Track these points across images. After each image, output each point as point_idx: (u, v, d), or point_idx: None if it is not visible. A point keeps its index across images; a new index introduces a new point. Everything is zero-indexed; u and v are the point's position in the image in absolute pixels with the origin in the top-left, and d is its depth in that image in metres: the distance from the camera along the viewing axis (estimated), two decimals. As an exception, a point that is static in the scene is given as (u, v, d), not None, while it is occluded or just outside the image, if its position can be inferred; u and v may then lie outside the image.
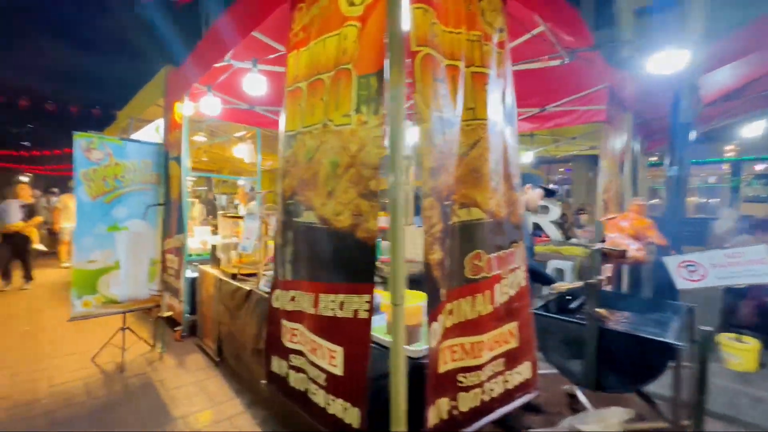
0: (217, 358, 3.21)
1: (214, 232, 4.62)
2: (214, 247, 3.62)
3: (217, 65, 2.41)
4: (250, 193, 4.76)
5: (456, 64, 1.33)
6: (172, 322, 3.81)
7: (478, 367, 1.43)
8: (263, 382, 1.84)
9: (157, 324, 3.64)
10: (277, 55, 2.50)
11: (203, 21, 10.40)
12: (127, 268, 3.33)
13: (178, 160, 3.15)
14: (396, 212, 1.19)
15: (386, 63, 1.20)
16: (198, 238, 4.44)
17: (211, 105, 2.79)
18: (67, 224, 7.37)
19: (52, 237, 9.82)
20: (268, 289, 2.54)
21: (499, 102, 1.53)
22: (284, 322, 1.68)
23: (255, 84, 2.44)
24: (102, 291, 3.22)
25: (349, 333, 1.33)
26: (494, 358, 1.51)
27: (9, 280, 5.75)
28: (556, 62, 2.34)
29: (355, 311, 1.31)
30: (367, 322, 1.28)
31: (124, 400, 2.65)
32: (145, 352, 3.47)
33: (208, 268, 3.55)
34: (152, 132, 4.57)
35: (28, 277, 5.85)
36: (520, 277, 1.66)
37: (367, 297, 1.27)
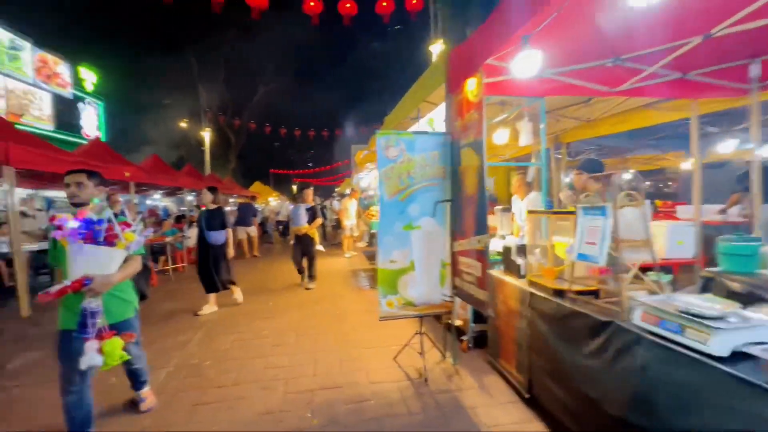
0: (526, 393, 2.52)
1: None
2: (507, 250, 2.97)
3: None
4: (530, 184, 3.97)
5: None
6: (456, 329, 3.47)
7: None
8: None
9: (446, 331, 3.36)
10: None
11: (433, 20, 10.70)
12: (421, 269, 3.14)
13: (475, 146, 2.63)
14: None
15: None
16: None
17: (529, 60, 2.08)
18: (347, 221, 8.99)
19: (335, 231, 12.59)
20: (657, 328, 1.56)
21: None
22: None
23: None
24: (401, 292, 3.14)
25: None
26: None
27: (304, 275, 6.27)
28: None
29: None
30: None
31: (445, 428, 2.30)
32: (438, 361, 3.22)
33: (503, 275, 2.94)
34: (425, 127, 4.50)
35: (311, 276, 6.20)
36: None
37: None
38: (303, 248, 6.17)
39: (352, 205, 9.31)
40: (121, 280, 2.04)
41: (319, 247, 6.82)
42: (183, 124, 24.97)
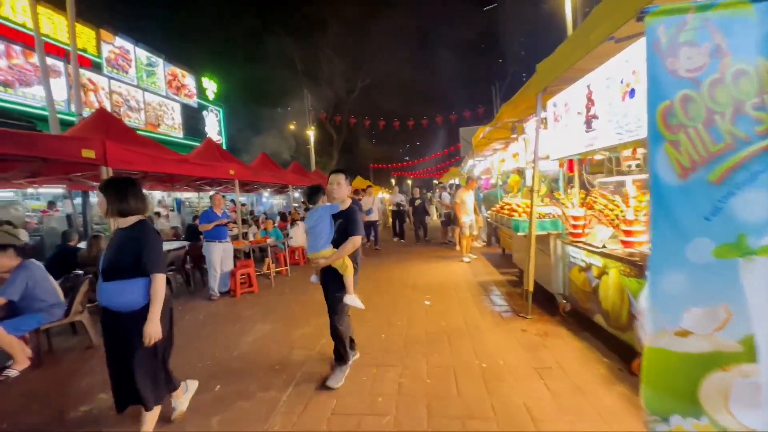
0: None
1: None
2: None
3: None
4: None
5: None
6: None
7: None
8: None
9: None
10: None
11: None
12: (778, 361, 1.22)
13: None
14: None
15: None
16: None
17: None
18: (465, 217, 7.21)
19: (444, 228, 10.89)
20: None
21: None
22: None
23: None
24: (713, 413, 1.27)
25: None
26: None
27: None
28: None
29: None
30: None
31: None
32: None
33: None
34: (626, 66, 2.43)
35: (338, 355, 3.02)
36: None
37: None
38: (326, 291, 2.98)
39: (469, 198, 7.48)
40: None
41: (352, 299, 2.90)
42: (292, 126, 26.34)
